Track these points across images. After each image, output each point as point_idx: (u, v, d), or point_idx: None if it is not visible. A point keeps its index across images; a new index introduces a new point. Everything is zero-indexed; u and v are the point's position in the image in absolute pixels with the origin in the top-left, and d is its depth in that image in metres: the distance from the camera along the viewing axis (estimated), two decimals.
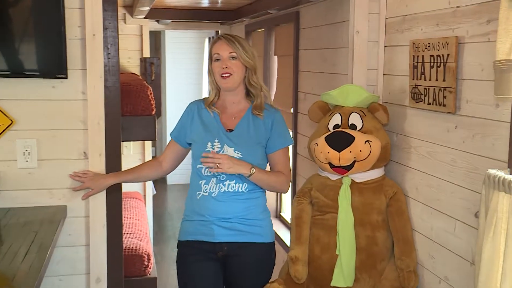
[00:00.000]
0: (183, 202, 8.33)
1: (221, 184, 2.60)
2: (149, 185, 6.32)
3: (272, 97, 5.09)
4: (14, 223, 2.62)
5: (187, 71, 9.67)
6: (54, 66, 2.78)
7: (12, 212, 2.76)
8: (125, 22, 5.92)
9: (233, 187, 2.60)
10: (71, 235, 2.90)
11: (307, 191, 2.97)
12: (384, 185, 2.84)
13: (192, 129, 2.71)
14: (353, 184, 2.82)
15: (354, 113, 2.86)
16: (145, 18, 5.88)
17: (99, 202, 2.89)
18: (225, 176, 2.58)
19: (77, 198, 2.87)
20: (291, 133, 4.43)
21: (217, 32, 7.30)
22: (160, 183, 9.44)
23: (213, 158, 2.50)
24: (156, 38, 10.00)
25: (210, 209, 2.61)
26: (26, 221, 2.64)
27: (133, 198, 5.82)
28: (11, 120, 2.78)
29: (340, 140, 2.76)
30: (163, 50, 9.89)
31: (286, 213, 5.21)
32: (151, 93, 3.58)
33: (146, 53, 6.07)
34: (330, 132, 2.83)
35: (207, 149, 2.61)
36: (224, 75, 2.59)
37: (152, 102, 3.54)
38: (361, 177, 2.82)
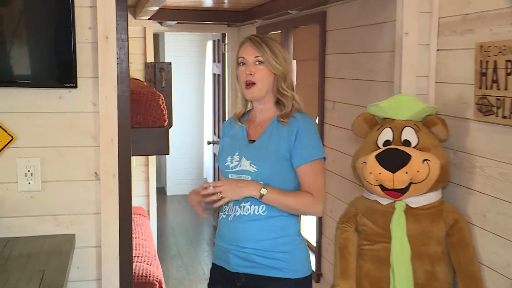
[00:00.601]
0: (185, 216, 8.06)
1: (237, 207, 2.35)
2: (153, 199, 6.01)
3: None
4: (15, 257, 2.31)
5: (188, 76, 9.33)
6: (62, 74, 2.49)
7: (13, 243, 2.44)
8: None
9: (248, 209, 2.32)
10: (80, 268, 2.59)
11: (351, 216, 2.65)
12: (444, 210, 2.52)
13: (222, 146, 2.55)
14: (408, 209, 2.50)
15: (407, 127, 2.55)
16: (148, 19, 5.57)
17: (112, 229, 2.58)
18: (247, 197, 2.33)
19: (87, 225, 2.58)
20: None
21: (223, 34, 6.99)
22: (159, 194, 9.06)
23: (214, 188, 2.26)
24: (154, 41, 9.66)
25: (226, 234, 2.40)
26: (30, 254, 2.33)
27: (137, 214, 5.49)
28: (11, 136, 2.48)
29: (394, 159, 2.45)
30: (162, 54, 9.56)
31: (307, 233, 4.88)
32: (163, 102, 3.32)
33: (150, 57, 5.76)
34: (381, 150, 2.51)
35: (226, 164, 2.41)
36: (248, 83, 2.35)
37: (164, 112, 3.28)
38: (417, 201, 2.51)
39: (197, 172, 9.42)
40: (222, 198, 2.26)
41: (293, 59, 4.84)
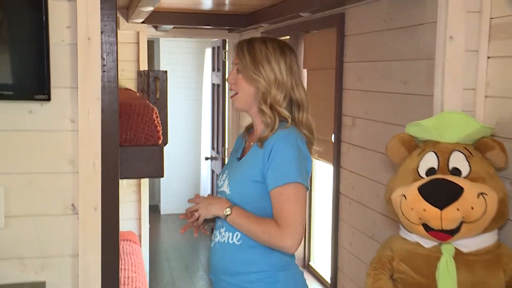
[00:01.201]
0: (180, 237, 7.59)
1: (217, 232, 2.24)
2: (145, 222, 5.58)
3: None
4: None
5: (184, 86, 8.94)
6: (31, 83, 2.08)
7: None
8: (118, 28, 5.19)
9: (224, 236, 2.19)
10: None
11: (386, 261, 2.25)
12: (502, 255, 2.11)
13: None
14: (458, 254, 2.10)
15: (456, 152, 2.15)
16: (142, 23, 5.18)
17: (93, 275, 2.19)
18: (223, 222, 2.19)
19: (61, 271, 2.18)
20: (330, 167, 3.74)
21: (223, 41, 6.61)
22: (152, 212, 8.63)
23: (194, 205, 2.25)
24: (149, 48, 9.27)
25: (209, 261, 2.30)
26: None
27: (127, 240, 5.06)
28: None
29: (442, 192, 2.04)
30: (156, 62, 9.17)
31: (317, 264, 4.46)
32: (157, 116, 2.98)
33: (144, 65, 5.38)
34: (425, 180, 2.10)
35: (218, 182, 2.32)
36: (231, 92, 2.25)
37: (158, 127, 2.95)
38: (468, 244, 2.10)
39: (194, 189, 9.01)
40: (199, 217, 2.21)
41: (303, 68, 4.45)
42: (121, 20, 5.19)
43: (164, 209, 9.15)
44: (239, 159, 2.26)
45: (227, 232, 2.16)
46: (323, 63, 3.99)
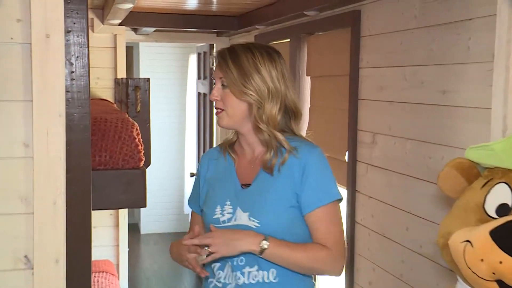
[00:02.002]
0: (162, 260, 7.07)
1: (238, 273, 1.97)
2: (124, 249, 5.10)
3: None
4: None
5: (167, 95, 8.56)
6: None
7: None
8: (92, 30, 4.74)
9: (256, 276, 1.96)
10: None
11: None
12: None
13: (203, 190, 2.17)
14: None
15: None
16: (120, 24, 4.71)
17: None
18: (243, 259, 1.96)
19: None
20: (344, 191, 3.28)
21: (210, 45, 6.18)
22: (132, 232, 8.14)
23: (200, 241, 1.95)
24: (127, 54, 8.86)
25: None
26: None
27: (102, 271, 4.58)
28: None
29: None
30: (136, 69, 8.76)
31: None
32: (138, 134, 2.60)
33: (122, 72, 4.93)
34: (499, 222, 1.63)
35: (215, 217, 2.04)
36: (216, 109, 2.08)
37: (139, 147, 2.56)
38: None
39: (177, 207, 8.64)
40: (211, 253, 1.92)
41: (306, 75, 4.00)
42: (96, 21, 4.74)
43: (145, 228, 8.76)
44: (246, 185, 2.04)
45: (261, 271, 1.96)
46: (332, 69, 3.54)
